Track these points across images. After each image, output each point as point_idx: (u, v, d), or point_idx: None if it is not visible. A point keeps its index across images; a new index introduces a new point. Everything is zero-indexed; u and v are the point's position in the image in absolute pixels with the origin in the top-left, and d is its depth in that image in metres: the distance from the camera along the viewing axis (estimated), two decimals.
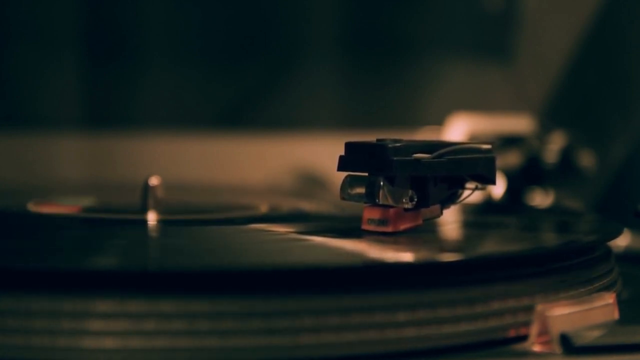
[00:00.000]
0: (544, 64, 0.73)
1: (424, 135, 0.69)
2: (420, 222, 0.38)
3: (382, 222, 0.37)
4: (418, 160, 0.37)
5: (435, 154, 0.37)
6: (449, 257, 0.35)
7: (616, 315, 0.34)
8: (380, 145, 0.37)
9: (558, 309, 0.32)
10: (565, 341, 0.31)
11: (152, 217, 0.44)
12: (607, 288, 0.37)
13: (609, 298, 0.34)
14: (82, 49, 0.73)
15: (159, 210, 0.44)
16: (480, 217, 0.49)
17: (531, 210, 0.55)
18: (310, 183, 0.71)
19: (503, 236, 0.42)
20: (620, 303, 0.35)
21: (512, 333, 0.33)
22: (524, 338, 0.32)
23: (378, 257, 0.34)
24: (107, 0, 0.75)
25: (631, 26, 0.67)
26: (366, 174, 0.37)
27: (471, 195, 0.40)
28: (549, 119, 0.65)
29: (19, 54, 0.73)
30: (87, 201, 0.52)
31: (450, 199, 0.39)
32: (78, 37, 0.73)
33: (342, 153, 0.38)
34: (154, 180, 0.45)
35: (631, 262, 0.47)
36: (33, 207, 0.47)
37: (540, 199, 0.58)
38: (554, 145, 0.58)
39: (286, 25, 0.77)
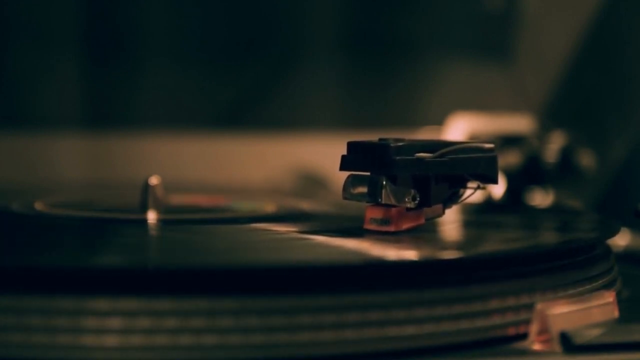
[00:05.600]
0: (544, 64, 0.73)
1: (425, 135, 0.69)
2: (422, 221, 0.38)
3: (384, 221, 0.37)
4: (420, 159, 0.37)
5: (437, 153, 0.37)
6: (450, 255, 0.36)
7: (616, 314, 0.34)
8: (382, 145, 0.37)
9: (558, 308, 0.32)
10: (565, 340, 0.31)
11: (152, 217, 0.44)
12: (607, 287, 0.37)
13: (609, 297, 0.34)
14: (82, 49, 0.73)
15: (159, 209, 0.44)
16: (481, 216, 0.49)
17: (531, 210, 0.55)
18: (311, 183, 0.71)
19: (503, 235, 0.42)
20: (620, 302, 0.35)
21: (512, 331, 0.33)
22: (524, 336, 0.32)
23: (379, 255, 0.34)
24: (107, 0, 0.75)
25: (631, 26, 0.68)
26: (368, 174, 0.37)
27: (473, 194, 0.40)
28: (549, 119, 0.65)
29: (19, 54, 0.73)
30: (87, 201, 0.52)
31: (452, 198, 0.39)
32: (78, 37, 0.73)
33: (343, 153, 0.38)
34: (154, 180, 0.45)
35: (631, 262, 0.47)
36: (33, 207, 0.48)
37: (540, 198, 0.58)
38: (554, 145, 0.59)
39: (286, 26, 0.77)
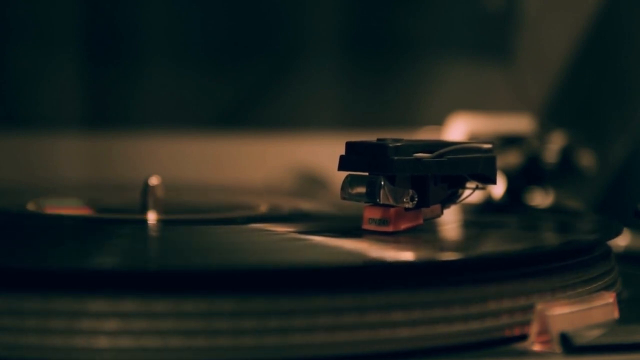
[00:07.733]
0: (544, 64, 0.73)
1: (424, 135, 0.69)
2: (420, 221, 0.38)
3: (382, 221, 0.37)
4: (419, 159, 0.37)
5: (436, 153, 0.37)
6: (449, 256, 0.35)
7: (616, 314, 0.34)
8: (380, 145, 0.37)
9: (558, 309, 0.32)
10: (565, 340, 0.31)
11: (152, 217, 0.44)
12: (607, 287, 0.37)
13: (609, 297, 0.34)
14: (82, 49, 0.73)
15: (159, 210, 0.44)
16: (480, 217, 0.49)
17: (531, 210, 0.55)
18: (310, 183, 0.71)
19: (503, 236, 0.42)
20: (621, 303, 0.35)
21: (512, 332, 0.33)
22: (524, 337, 0.32)
23: (378, 256, 0.34)
24: (107, 0, 0.75)
25: (631, 26, 0.67)
26: (367, 174, 0.37)
27: (471, 194, 0.40)
28: (549, 119, 0.65)
29: (19, 54, 0.73)
30: (86, 201, 0.52)
31: (451, 198, 0.39)
32: (78, 37, 0.73)
33: (343, 153, 0.38)
34: (154, 180, 0.45)
35: (631, 262, 0.47)
36: (33, 207, 0.48)
37: (540, 199, 0.58)
38: (554, 145, 0.58)
39: (286, 26, 0.77)
